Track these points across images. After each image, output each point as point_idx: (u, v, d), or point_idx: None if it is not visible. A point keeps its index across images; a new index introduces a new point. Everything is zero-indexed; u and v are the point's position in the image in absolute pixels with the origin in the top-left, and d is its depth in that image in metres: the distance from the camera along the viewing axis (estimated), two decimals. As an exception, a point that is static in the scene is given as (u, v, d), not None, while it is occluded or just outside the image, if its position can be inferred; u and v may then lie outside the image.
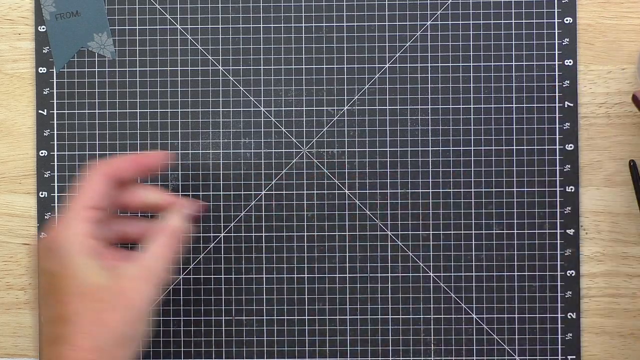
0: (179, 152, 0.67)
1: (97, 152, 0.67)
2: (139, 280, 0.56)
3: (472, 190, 0.66)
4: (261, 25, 0.67)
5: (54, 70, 0.67)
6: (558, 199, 0.66)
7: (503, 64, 0.66)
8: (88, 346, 0.53)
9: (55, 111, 0.67)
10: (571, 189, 0.66)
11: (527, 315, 0.66)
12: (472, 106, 0.66)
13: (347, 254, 0.67)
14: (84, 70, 0.67)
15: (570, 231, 0.66)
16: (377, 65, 0.67)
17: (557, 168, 0.66)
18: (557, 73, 0.66)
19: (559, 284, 0.66)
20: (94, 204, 0.57)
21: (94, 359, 0.53)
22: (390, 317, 0.67)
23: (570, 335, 0.66)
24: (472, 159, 0.66)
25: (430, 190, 0.66)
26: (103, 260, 0.56)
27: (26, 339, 0.68)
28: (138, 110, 0.67)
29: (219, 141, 0.67)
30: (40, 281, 0.57)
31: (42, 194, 0.68)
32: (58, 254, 0.55)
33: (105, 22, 0.66)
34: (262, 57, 0.67)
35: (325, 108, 0.67)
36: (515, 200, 0.66)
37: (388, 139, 0.67)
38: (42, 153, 0.68)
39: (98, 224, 0.57)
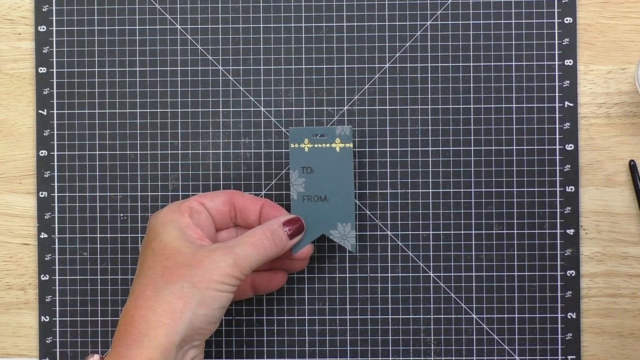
0: (179, 152, 0.67)
1: (97, 152, 0.67)
2: (218, 255, 0.57)
3: (472, 190, 0.66)
4: (261, 25, 0.67)
5: None
6: (558, 199, 0.66)
7: (503, 64, 0.66)
8: (149, 295, 0.56)
9: (55, 111, 0.67)
10: (571, 189, 0.66)
11: (527, 315, 0.66)
12: (472, 106, 0.66)
13: (347, 254, 0.67)
14: (84, 70, 0.67)
15: (570, 231, 0.66)
16: (377, 65, 0.67)
17: (557, 168, 0.66)
18: (557, 73, 0.66)
19: (559, 284, 0.66)
20: (203, 202, 0.61)
21: (150, 305, 0.55)
22: (390, 317, 0.67)
23: (570, 335, 0.66)
24: (472, 159, 0.66)
25: (430, 190, 0.66)
26: (195, 237, 0.59)
27: (26, 339, 0.68)
28: (138, 110, 0.67)
29: (219, 141, 0.67)
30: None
31: (42, 194, 0.68)
32: (155, 225, 0.59)
33: (352, 213, 0.63)
34: (262, 57, 0.67)
35: (325, 108, 0.67)
36: (515, 200, 0.66)
37: (388, 139, 0.67)
38: (42, 153, 0.68)
39: (200, 216, 0.61)
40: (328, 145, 0.62)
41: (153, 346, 0.54)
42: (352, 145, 0.62)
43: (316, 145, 0.62)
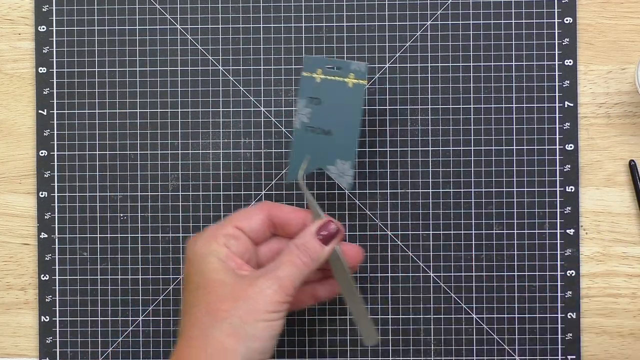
0: (179, 152, 0.67)
1: (97, 152, 0.67)
2: (261, 282, 0.56)
3: (472, 190, 0.66)
4: (261, 25, 0.67)
5: (284, 177, 0.62)
6: (558, 199, 0.66)
7: (503, 64, 0.66)
8: (196, 334, 0.55)
9: (55, 111, 0.67)
10: (571, 189, 0.66)
11: (527, 315, 0.66)
12: (472, 106, 0.66)
13: (347, 254, 0.67)
14: (84, 70, 0.67)
15: (570, 231, 0.66)
16: (377, 65, 0.67)
17: (557, 168, 0.66)
18: (557, 73, 0.66)
19: (559, 284, 0.66)
20: (240, 226, 0.59)
21: (199, 345, 0.54)
22: (390, 317, 0.67)
23: (570, 335, 0.66)
24: (472, 159, 0.66)
25: (430, 190, 0.66)
26: (234, 266, 0.57)
27: (26, 339, 0.68)
28: (138, 110, 0.67)
29: (219, 141, 0.67)
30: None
31: (42, 194, 0.68)
32: (194, 257, 0.57)
33: (353, 151, 0.60)
34: (262, 57, 0.67)
35: (325, 108, 0.67)
36: (515, 200, 0.66)
37: (388, 139, 0.67)
38: (42, 153, 0.68)
39: (239, 241, 0.59)
40: (341, 78, 0.60)
41: None
42: (365, 82, 0.60)
43: (328, 77, 0.60)
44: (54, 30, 0.68)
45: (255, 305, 0.55)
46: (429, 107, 0.67)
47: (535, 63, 0.66)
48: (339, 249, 0.60)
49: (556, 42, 0.66)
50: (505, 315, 0.66)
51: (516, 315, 0.66)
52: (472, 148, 0.66)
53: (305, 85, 0.60)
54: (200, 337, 0.55)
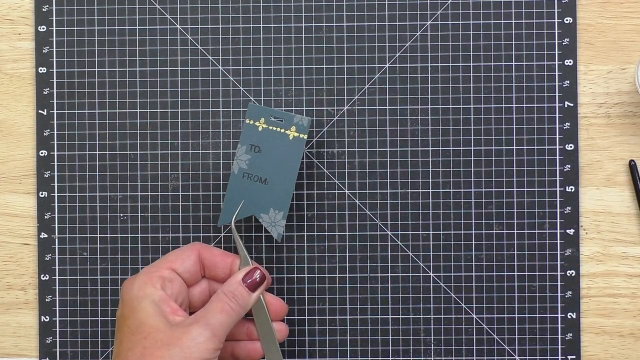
0: (179, 152, 0.67)
1: (97, 152, 0.67)
2: (194, 329, 0.57)
3: (472, 190, 0.66)
4: (261, 25, 0.67)
5: (218, 222, 0.65)
6: (558, 199, 0.66)
7: (503, 64, 0.66)
8: None
9: (55, 111, 0.67)
10: (571, 189, 0.66)
11: (527, 315, 0.66)
12: (472, 106, 0.66)
13: (347, 254, 0.67)
14: (84, 70, 0.67)
15: (570, 231, 0.66)
16: (377, 65, 0.67)
17: (557, 168, 0.66)
18: (557, 73, 0.66)
19: (559, 284, 0.66)
20: (174, 267, 0.60)
21: None
22: (390, 317, 0.67)
23: (570, 335, 0.66)
24: (472, 159, 0.66)
25: (430, 190, 0.66)
26: (168, 311, 0.58)
27: (26, 339, 0.68)
28: (138, 110, 0.67)
29: (219, 141, 0.67)
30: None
31: (42, 194, 0.68)
32: (129, 300, 0.58)
33: (287, 202, 0.62)
34: (262, 57, 0.67)
35: (325, 108, 0.67)
36: (515, 200, 0.66)
37: (388, 139, 0.67)
38: (42, 153, 0.68)
39: (173, 284, 0.60)
40: (282, 130, 0.62)
41: None
42: (306, 137, 0.62)
43: (270, 127, 0.62)
44: (54, 30, 0.68)
45: (190, 353, 0.56)
46: (429, 107, 0.67)
47: (535, 63, 0.66)
48: (262, 298, 0.62)
49: (556, 42, 0.66)
50: (505, 315, 0.66)
51: (516, 315, 0.66)
52: (472, 148, 0.66)
53: (246, 132, 0.62)
54: None
